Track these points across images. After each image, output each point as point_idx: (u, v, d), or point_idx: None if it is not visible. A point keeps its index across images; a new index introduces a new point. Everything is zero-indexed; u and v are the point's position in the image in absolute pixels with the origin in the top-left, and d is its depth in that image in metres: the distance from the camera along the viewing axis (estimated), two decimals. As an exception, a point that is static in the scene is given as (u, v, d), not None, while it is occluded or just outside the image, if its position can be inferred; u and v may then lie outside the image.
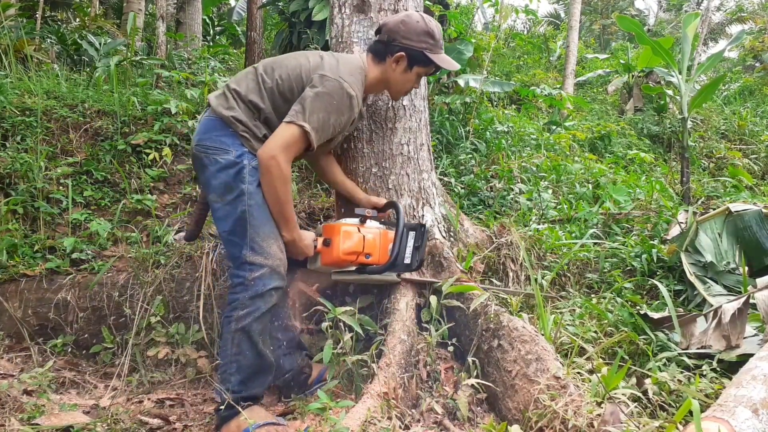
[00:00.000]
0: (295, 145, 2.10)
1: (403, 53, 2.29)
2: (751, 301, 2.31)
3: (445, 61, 2.35)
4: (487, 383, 2.17)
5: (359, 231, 2.29)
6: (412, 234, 2.39)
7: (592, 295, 2.90)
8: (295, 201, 3.83)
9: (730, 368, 2.12)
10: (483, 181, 4.18)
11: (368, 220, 2.37)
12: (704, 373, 2.12)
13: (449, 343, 2.39)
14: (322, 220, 3.60)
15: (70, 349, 2.81)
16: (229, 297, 2.15)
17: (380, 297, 2.60)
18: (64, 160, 3.54)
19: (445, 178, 4.10)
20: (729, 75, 12.80)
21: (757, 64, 15.51)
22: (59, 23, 9.45)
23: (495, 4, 6.31)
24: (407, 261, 2.36)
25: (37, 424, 2.06)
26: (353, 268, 2.33)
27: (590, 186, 4.44)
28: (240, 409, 2.04)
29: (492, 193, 4.09)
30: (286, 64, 2.26)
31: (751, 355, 1.94)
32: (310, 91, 2.13)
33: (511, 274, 2.98)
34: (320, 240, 2.31)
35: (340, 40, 2.80)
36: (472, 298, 2.42)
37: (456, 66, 2.41)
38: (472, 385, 2.17)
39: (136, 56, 6.05)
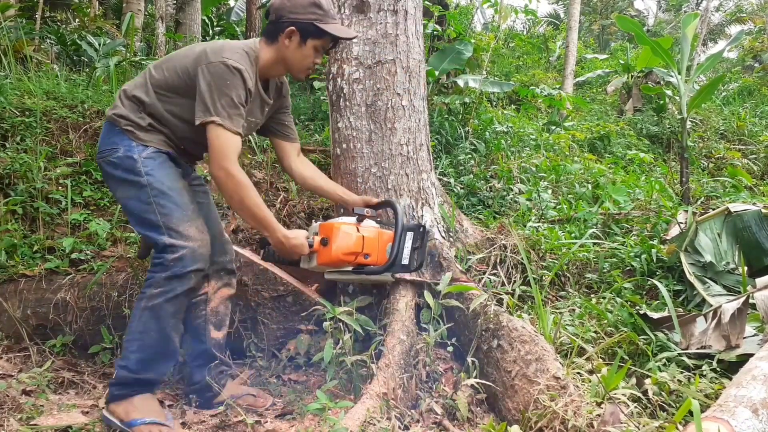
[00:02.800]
0: (226, 144, 2.06)
1: (292, 27, 2.21)
2: (750, 301, 2.30)
3: (340, 30, 2.28)
4: (486, 383, 2.17)
5: (358, 230, 2.27)
6: (410, 234, 2.37)
7: (592, 295, 2.89)
8: (294, 201, 3.83)
9: (730, 368, 2.12)
10: (482, 182, 4.18)
11: (365, 220, 2.34)
12: (704, 373, 2.12)
13: (449, 343, 2.39)
14: (321, 220, 3.60)
15: (69, 349, 2.81)
16: (147, 275, 2.14)
17: (379, 297, 2.60)
18: (63, 161, 3.53)
19: (445, 179, 4.10)
20: (728, 75, 12.81)
21: (757, 65, 15.53)
22: (59, 24, 9.44)
23: (494, 5, 6.31)
24: (405, 262, 2.34)
25: (36, 425, 2.06)
26: (350, 268, 2.30)
27: (590, 186, 4.44)
28: (133, 391, 2.06)
29: (491, 194, 4.08)
30: (174, 57, 2.25)
31: (751, 355, 1.94)
32: (203, 84, 2.09)
33: (512, 273, 2.98)
34: (317, 239, 2.27)
35: (339, 40, 2.79)
36: (471, 298, 2.42)
37: (352, 34, 2.34)
38: (472, 385, 2.17)
39: (136, 57, 6.05)
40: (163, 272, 2.08)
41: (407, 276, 2.54)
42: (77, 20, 10.15)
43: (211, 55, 2.13)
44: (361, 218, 2.33)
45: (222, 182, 2.07)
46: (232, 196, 2.09)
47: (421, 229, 2.39)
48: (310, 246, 2.25)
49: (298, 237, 2.21)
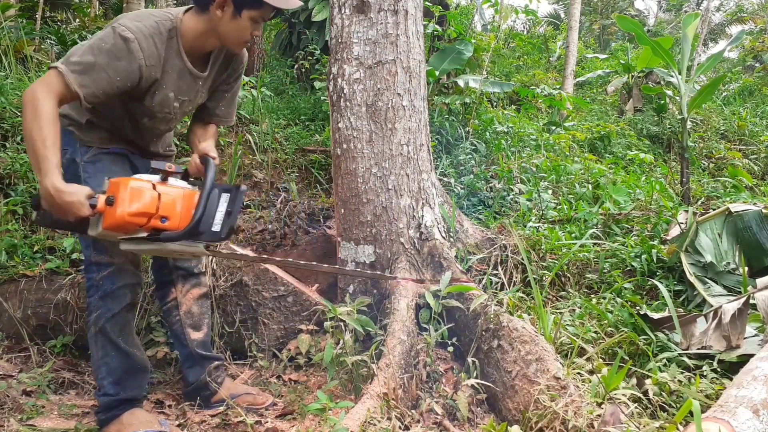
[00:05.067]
0: (52, 84, 1.82)
1: None
2: (751, 301, 2.30)
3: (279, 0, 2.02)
4: (487, 384, 2.17)
5: (154, 188, 1.86)
6: (225, 196, 1.96)
7: (592, 296, 2.89)
8: (295, 201, 3.82)
9: (731, 369, 2.12)
10: (483, 182, 4.18)
11: (172, 178, 1.94)
12: (705, 373, 2.12)
13: (449, 343, 2.39)
14: (321, 220, 3.60)
15: (69, 350, 2.81)
16: (87, 301, 2.12)
17: (380, 297, 2.60)
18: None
19: (445, 179, 4.10)
20: (729, 75, 12.80)
21: (757, 65, 15.52)
22: (59, 24, 9.44)
23: (495, 5, 6.31)
24: (215, 228, 1.92)
25: (33, 425, 2.06)
26: (144, 234, 1.89)
27: (590, 186, 4.44)
28: (119, 411, 2.06)
29: (492, 194, 4.08)
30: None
31: (752, 355, 1.93)
32: (86, 41, 1.93)
33: (512, 273, 2.98)
34: (101, 198, 1.83)
35: (339, 40, 2.80)
36: (471, 298, 2.42)
37: (295, 4, 2.07)
38: (472, 385, 2.17)
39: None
40: (96, 293, 2.07)
41: (410, 276, 2.54)
42: (77, 20, 10.15)
43: (115, 20, 1.98)
44: (165, 175, 1.92)
45: (24, 104, 1.81)
46: (25, 119, 1.80)
47: (238, 190, 1.98)
48: (93, 207, 1.81)
49: (75, 193, 1.78)
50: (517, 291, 2.85)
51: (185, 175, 2.08)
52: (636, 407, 1.86)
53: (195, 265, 2.42)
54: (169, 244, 1.89)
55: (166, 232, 1.87)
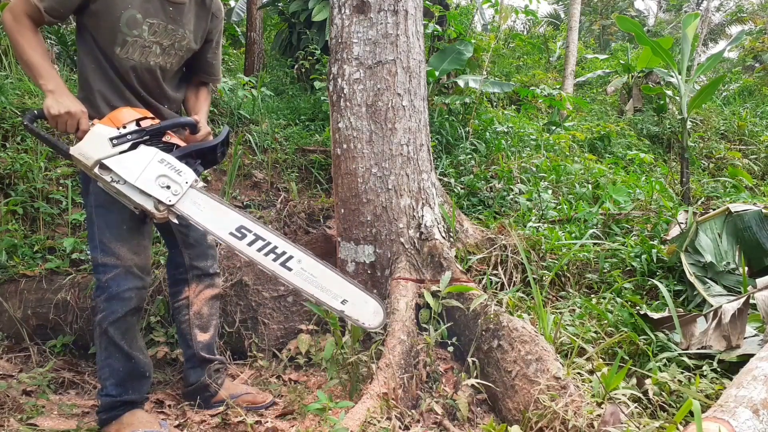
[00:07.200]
0: (18, 4, 1.92)
1: None
2: (751, 301, 2.30)
3: None
4: (487, 383, 2.17)
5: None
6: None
7: (592, 296, 2.89)
8: (295, 201, 3.82)
9: (731, 368, 2.12)
10: (483, 182, 4.18)
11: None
12: (705, 373, 2.12)
13: (449, 343, 2.39)
14: (321, 220, 3.60)
15: (69, 350, 2.81)
16: (94, 301, 2.13)
17: (379, 297, 2.59)
18: (63, 161, 3.54)
19: (445, 179, 4.10)
20: (728, 75, 12.81)
21: (757, 65, 15.53)
22: (59, 24, 9.45)
23: (494, 5, 6.31)
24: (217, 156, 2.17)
25: (35, 425, 2.07)
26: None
27: (590, 186, 4.44)
28: (120, 412, 2.06)
29: (492, 194, 4.08)
30: None
31: (752, 355, 1.93)
32: None
33: (512, 273, 2.98)
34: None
35: (339, 40, 2.80)
36: (471, 298, 2.42)
37: None
38: (472, 385, 2.17)
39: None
40: (102, 294, 2.07)
41: (409, 275, 2.54)
42: (78, 20, 10.14)
43: None
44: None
45: (3, 23, 1.95)
46: (9, 38, 1.94)
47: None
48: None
49: (75, 105, 1.92)
50: (517, 291, 2.85)
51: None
52: (636, 407, 1.86)
53: (210, 265, 2.41)
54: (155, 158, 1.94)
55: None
